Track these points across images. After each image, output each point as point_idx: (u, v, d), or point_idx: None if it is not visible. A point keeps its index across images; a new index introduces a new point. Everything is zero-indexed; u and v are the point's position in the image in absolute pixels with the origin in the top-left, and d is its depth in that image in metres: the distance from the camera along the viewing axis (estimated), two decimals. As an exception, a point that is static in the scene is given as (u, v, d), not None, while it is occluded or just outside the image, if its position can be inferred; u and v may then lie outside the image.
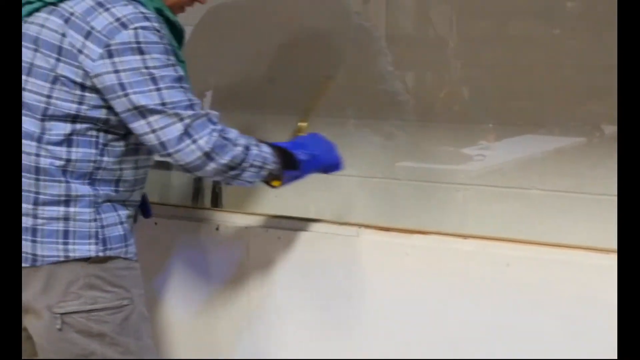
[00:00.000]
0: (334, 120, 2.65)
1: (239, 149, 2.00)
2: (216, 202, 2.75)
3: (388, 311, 2.34)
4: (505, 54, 2.48)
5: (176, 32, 2.08)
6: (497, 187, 2.40)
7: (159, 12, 2.03)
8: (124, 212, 2.07)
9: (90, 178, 2.01)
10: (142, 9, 1.96)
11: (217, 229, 2.56)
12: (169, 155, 1.97)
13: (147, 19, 1.94)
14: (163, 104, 1.93)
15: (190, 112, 1.95)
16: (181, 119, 1.94)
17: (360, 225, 2.39)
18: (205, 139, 1.95)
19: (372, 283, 2.36)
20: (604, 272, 2.01)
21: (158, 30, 1.95)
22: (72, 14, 1.96)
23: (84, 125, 1.98)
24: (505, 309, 2.19)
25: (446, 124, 2.52)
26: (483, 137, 2.50)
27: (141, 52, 1.92)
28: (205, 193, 2.76)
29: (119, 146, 2.02)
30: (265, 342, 2.51)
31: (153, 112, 1.93)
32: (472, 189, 2.42)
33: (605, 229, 2.01)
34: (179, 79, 1.96)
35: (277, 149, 2.12)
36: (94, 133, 1.99)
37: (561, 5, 2.41)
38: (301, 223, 2.45)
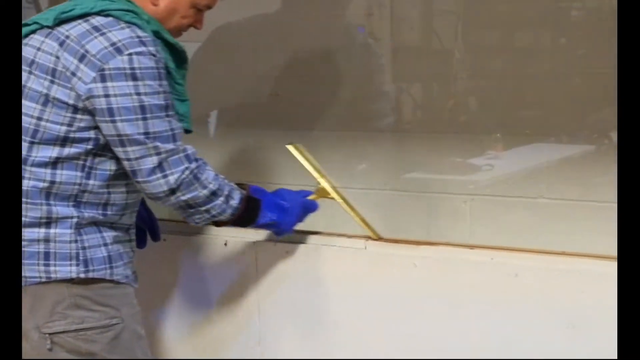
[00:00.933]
0: (342, 133, 2.66)
1: (205, 192, 2.03)
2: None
3: (397, 323, 2.33)
4: (512, 64, 2.48)
5: (176, 53, 2.09)
6: (505, 197, 2.39)
7: (156, 34, 2.03)
8: (110, 234, 2.06)
9: (75, 200, 2.01)
10: (139, 33, 1.97)
11: (225, 244, 2.56)
12: (137, 182, 2.01)
13: (142, 43, 1.95)
14: (146, 134, 1.95)
15: (169, 147, 1.97)
16: (158, 153, 1.97)
17: (368, 238, 2.39)
18: (175, 176, 1.99)
19: (381, 295, 2.35)
20: (614, 280, 1.99)
21: (154, 55, 1.96)
22: (67, 37, 1.97)
23: (72, 149, 1.99)
24: (514, 318, 2.18)
25: (453, 134, 2.51)
26: (491, 147, 2.49)
27: (134, 78, 1.93)
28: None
29: (107, 170, 2.02)
30: (275, 357, 2.51)
31: (134, 142, 1.96)
32: (480, 200, 2.41)
33: (614, 237, 1.99)
34: (166, 107, 1.97)
35: (249, 201, 2.15)
36: (81, 156, 1.99)
37: (566, 14, 2.40)
38: (309, 236, 2.45)
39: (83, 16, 1.99)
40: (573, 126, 2.39)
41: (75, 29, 1.98)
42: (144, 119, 1.94)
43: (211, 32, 2.76)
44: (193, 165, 2.01)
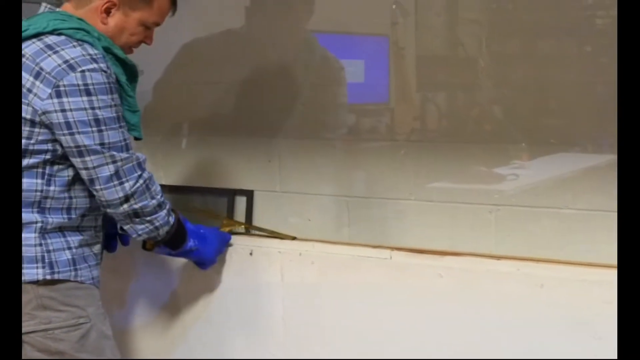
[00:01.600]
0: (363, 142, 2.66)
1: (154, 202, 2.16)
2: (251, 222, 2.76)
3: (422, 333, 2.33)
4: (536, 72, 2.46)
5: (127, 67, 2.19)
6: (531, 207, 2.37)
7: (107, 50, 2.13)
8: (75, 238, 2.16)
9: (39, 207, 2.11)
10: (90, 50, 2.07)
11: (250, 253, 2.57)
12: (95, 191, 2.11)
13: (94, 60, 2.06)
14: (102, 144, 2.06)
15: (124, 155, 2.10)
16: (114, 161, 2.08)
17: (393, 248, 2.39)
18: (130, 183, 2.11)
19: (406, 305, 2.35)
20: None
21: (105, 71, 2.07)
22: (23, 55, 2.06)
23: (32, 159, 2.08)
24: (540, 329, 2.17)
25: (478, 144, 2.50)
26: (515, 156, 2.47)
27: (88, 93, 2.04)
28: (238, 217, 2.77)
29: (66, 176, 2.12)
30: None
31: (92, 152, 2.06)
32: (505, 209, 2.40)
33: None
34: (118, 119, 2.10)
35: (180, 225, 2.28)
36: (40, 165, 2.09)
37: (591, 22, 2.38)
38: (334, 247, 2.46)
39: (37, 35, 2.09)
40: (598, 135, 2.37)
41: (29, 48, 2.08)
42: (100, 131, 2.06)
43: (182, 45, 2.85)
44: (146, 174, 2.14)
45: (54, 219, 2.12)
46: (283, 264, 2.51)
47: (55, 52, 2.05)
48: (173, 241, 2.29)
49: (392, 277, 2.37)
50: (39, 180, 2.10)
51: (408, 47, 2.68)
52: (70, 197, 2.14)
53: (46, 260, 2.10)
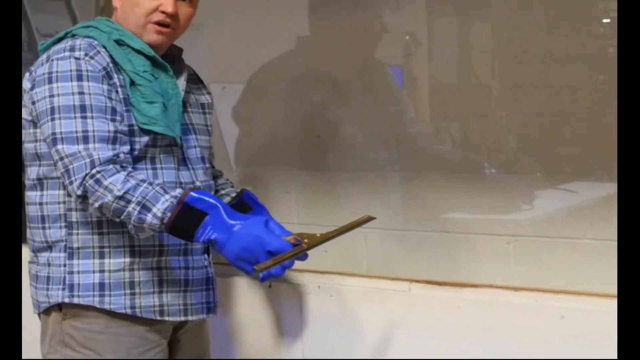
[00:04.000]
0: (379, 174, 2.66)
1: (110, 197, 1.86)
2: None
3: (442, 366, 2.33)
4: (550, 101, 2.47)
5: (149, 59, 2.04)
6: (548, 238, 2.38)
7: (119, 42, 2.02)
8: (109, 260, 1.99)
9: (66, 221, 1.99)
10: (77, 41, 1.98)
11: (269, 286, 2.58)
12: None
13: (71, 49, 1.95)
14: (53, 134, 1.91)
15: (70, 150, 1.88)
16: (61, 158, 1.90)
17: (411, 280, 2.39)
18: (77, 183, 1.88)
19: (425, 337, 2.35)
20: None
21: (78, 58, 1.93)
22: (30, 71, 2.03)
23: (49, 166, 1.99)
24: (562, 362, 2.17)
25: (493, 173, 2.51)
26: (531, 185, 2.48)
27: (50, 81, 1.93)
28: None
29: None
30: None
31: (50, 144, 1.93)
32: (522, 240, 2.40)
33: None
34: (82, 108, 1.91)
35: (185, 210, 1.86)
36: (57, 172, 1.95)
37: (604, 51, 2.39)
38: (353, 279, 2.46)
39: (55, 42, 2.05)
40: (614, 164, 2.37)
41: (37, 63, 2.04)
42: (52, 119, 1.91)
43: (251, 76, 2.80)
44: (94, 170, 1.87)
45: (82, 236, 1.98)
46: (302, 296, 2.51)
47: (47, 51, 2.01)
48: (175, 232, 1.88)
49: (411, 309, 2.37)
50: (61, 192, 1.99)
51: (421, 77, 2.70)
52: None
53: (67, 282, 1.99)
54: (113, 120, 1.94)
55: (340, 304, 2.46)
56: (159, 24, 2.04)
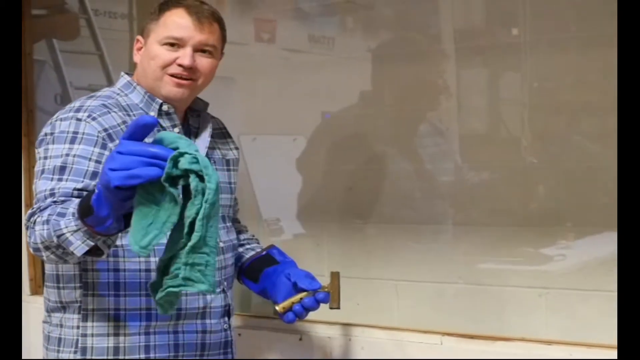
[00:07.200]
0: (410, 226, 2.66)
1: (37, 228, 1.72)
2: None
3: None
4: (580, 151, 2.47)
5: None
6: (580, 290, 2.36)
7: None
8: (126, 323, 1.91)
9: (81, 282, 1.93)
10: (88, 102, 1.94)
11: (300, 339, 2.58)
12: None
13: (77, 110, 1.92)
14: (35, 193, 1.84)
15: (36, 206, 1.78)
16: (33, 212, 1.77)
17: (443, 333, 2.39)
18: (32, 239, 1.74)
19: (458, 391, 2.34)
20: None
21: (80, 119, 1.88)
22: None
23: None
24: (596, 418, 2.15)
25: (524, 224, 2.50)
26: (562, 236, 2.47)
27: (47, 142, 1.90)
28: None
29: None
30: None
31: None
32: (555, 292, 2.39)
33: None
34: (61, 170, 1.82)
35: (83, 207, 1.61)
36: None
37: (634, 101, 2.39)
38: (384, 332, 2.46)
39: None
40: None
41: None
42: (38, 179, 1.86)
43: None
44: (38, 216, 1.74)
45: (98, 297, 1.91)
46: (333, 349, 2.51)
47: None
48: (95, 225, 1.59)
49: (443, 362, 2.36)
50: None
51: (451, 127, 2.71)
52: (117, 270, 1.90)
53: (79, 345, 1.92)
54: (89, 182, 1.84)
55: (371, 357, 2.45)
56: (176, 76, 1.99)
